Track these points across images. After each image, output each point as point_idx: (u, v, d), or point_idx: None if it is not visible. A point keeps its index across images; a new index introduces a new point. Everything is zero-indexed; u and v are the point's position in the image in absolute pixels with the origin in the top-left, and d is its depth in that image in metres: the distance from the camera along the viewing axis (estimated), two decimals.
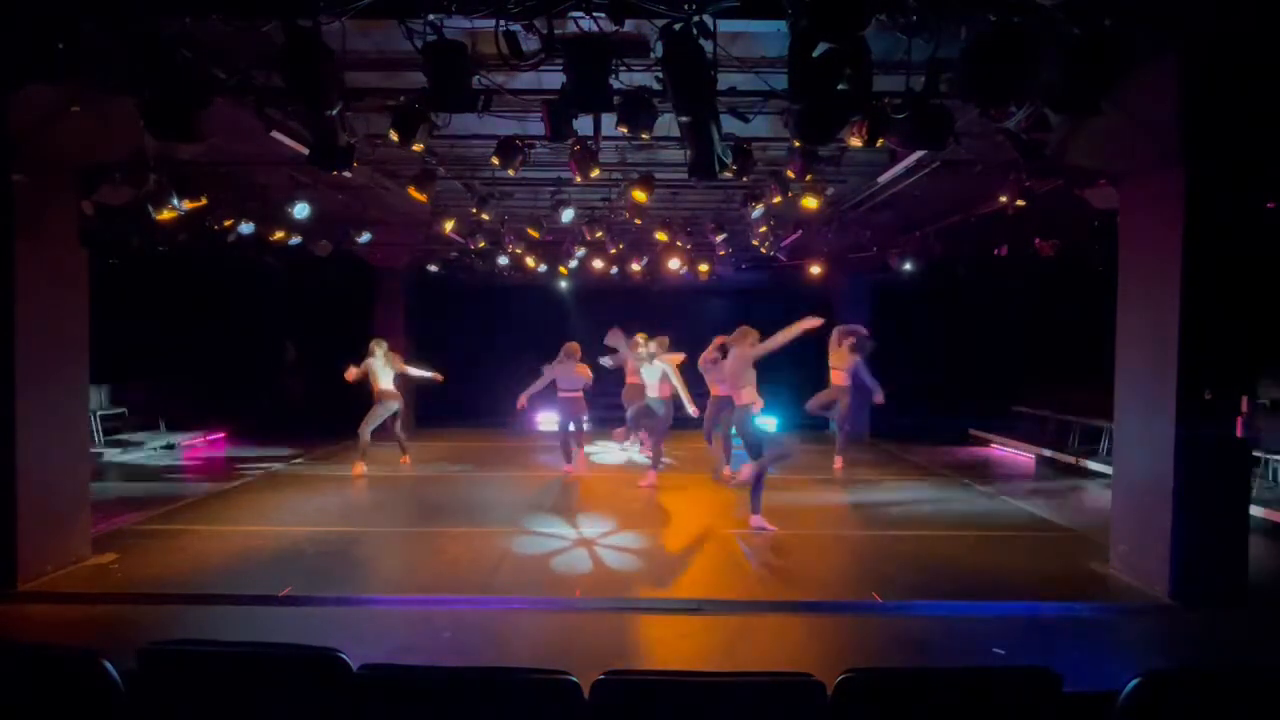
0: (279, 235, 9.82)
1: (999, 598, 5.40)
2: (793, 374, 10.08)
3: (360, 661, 2.41)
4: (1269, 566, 6.15)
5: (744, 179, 6.67)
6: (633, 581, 5.83)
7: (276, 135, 5.77)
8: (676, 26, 3.98)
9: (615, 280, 14.44)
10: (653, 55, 4.59)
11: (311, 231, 10.06)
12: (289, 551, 6.38)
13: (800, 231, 10.73)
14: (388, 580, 5.75)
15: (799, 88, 3.91)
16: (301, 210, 8.21)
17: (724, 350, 8.20)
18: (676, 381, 8.96)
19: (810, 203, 7.33)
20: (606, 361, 9.93)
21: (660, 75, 4.37)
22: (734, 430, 8.10)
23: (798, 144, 5.92)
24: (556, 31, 4.28)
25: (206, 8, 4.16)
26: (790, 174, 6.37)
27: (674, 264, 12.85)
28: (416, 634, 4.71)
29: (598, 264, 12.63)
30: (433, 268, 14.08)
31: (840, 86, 3.92)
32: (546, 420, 11.82)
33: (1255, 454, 7.20)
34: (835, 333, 9.85)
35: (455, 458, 10.24)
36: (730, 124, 5.31)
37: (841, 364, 9.76)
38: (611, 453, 11.16)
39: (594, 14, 4.18)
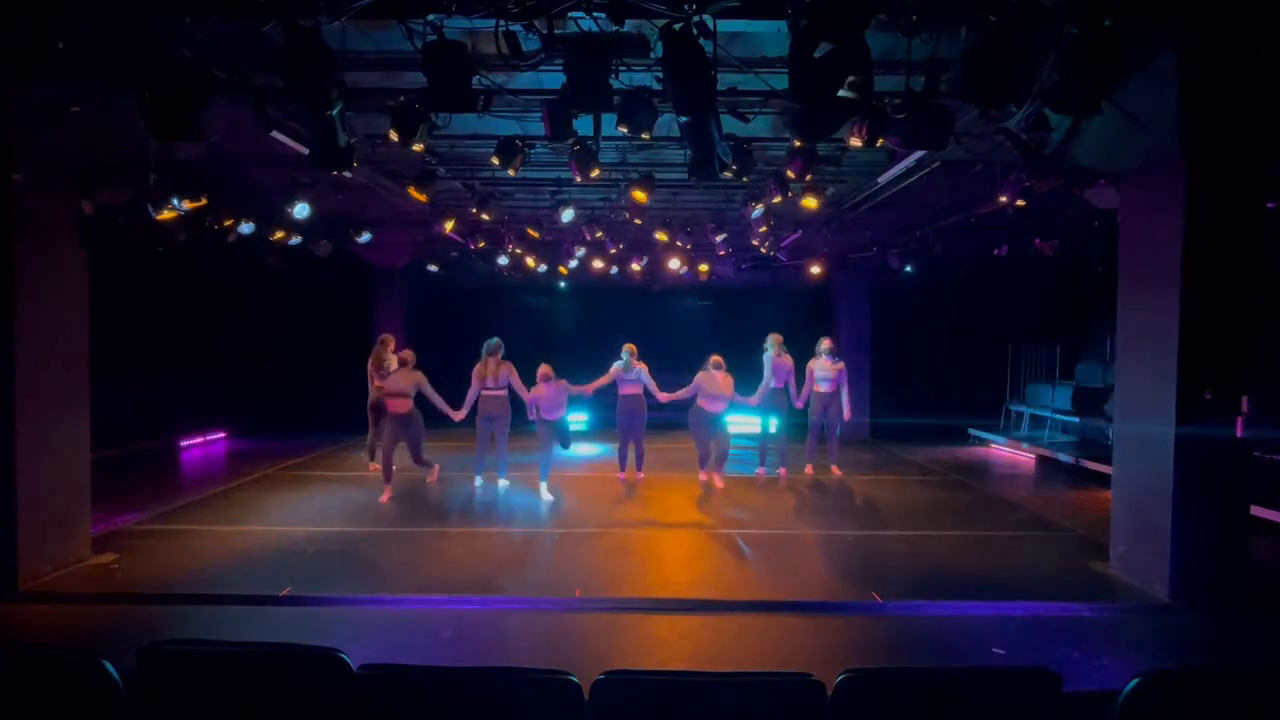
0: (279, 235, 9.83)
1: (999, 598, 5.40)
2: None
3: (360, 661, 2.41)
4: (1269, 566, 6.15)
5: (744, 179, 6.68)
6: (633, 581, 5.83)
7: (276, 135, 5.78)
8: (676, 26, 3.98)
9: (615, 280, 14.44)
10: (653, 55, 4.59)
11: (311, 231, 10.06)
12: (289, 551, 6.39)
13: (800, 231, 10.73)
14: (388, 580, 5.75)
15: (799, 88, 3.91)
16: (301, 210, 8.20)
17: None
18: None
19: (810, 203, 7.33)
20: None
21: (660, 75, 4.38)
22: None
23: (798, 144, 5.93)
24: (556, 31, 4.29)
25: (206, 8, 4.16)
26: (790, 174, 6.37)
27: (674, 264, 12.87)
28: (416, 634, 4.70)
29: (598, 264, 12.63)
30: (433, 268, 14.09)
31: (842, 93, 3.93)
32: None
33: None
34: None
35: (455, 458, 10.22)
36: (730, 124, 5.31)
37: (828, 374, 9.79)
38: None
39: (594, 14, 4.18)
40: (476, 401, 8.69)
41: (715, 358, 8.95)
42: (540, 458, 8.50)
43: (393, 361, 9.24)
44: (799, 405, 9.84)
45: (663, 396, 9.05)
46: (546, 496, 8.34)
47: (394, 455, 8.35)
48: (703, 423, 8.88)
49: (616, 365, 9.10)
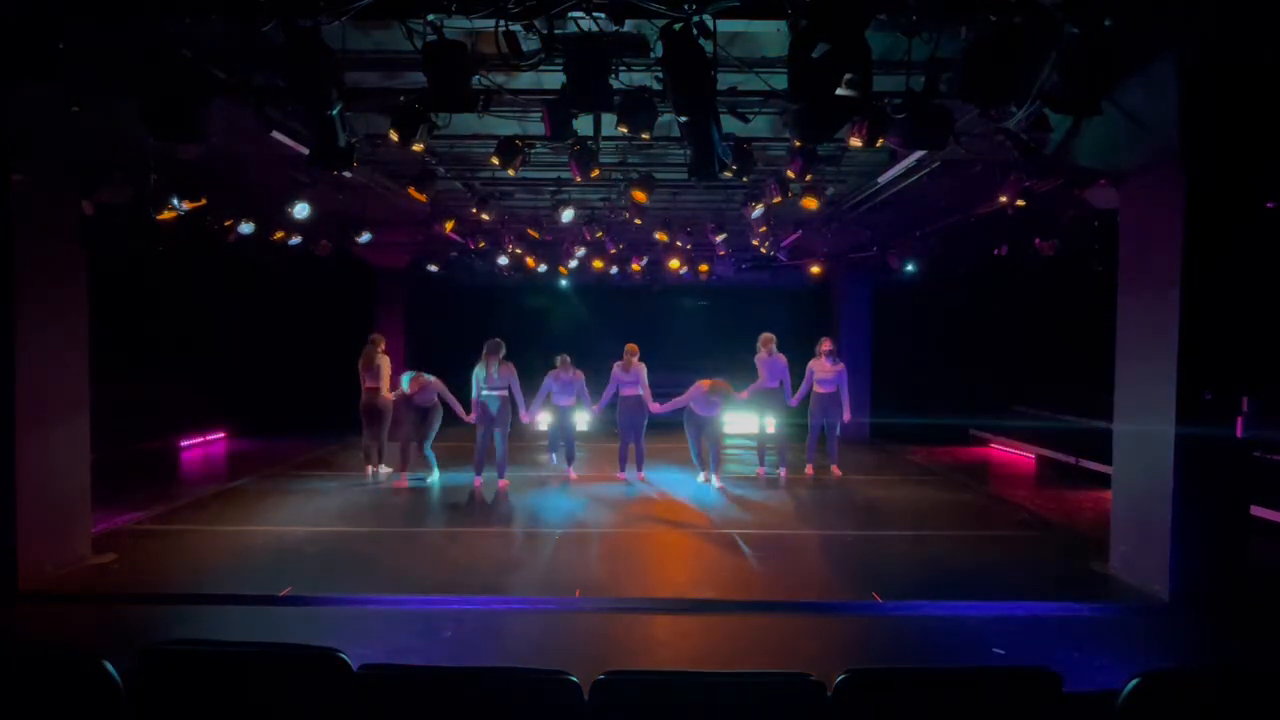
0: (279, 235, 9.83)
1: (999, 598, 5.40)
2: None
3: (360, 661, 2.41)
4: (1269, 566, 6.15)
5: (744, 179, 6.68)
6: (633, 581, 5.83)
7: (276, 135, 5.78)
8: (676, 26, 3.98)
9: (615, 280, 14.44)
10: (653, 55, 4.59)
11: (311, 231, 10.06)
12: (289, 551, 6.39)
13: (800, 231, 10.73)
14: (388, 580, 5.74)
15: (799, 88, 3.91)
16: (301, 210, 8.20)
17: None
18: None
19: (810, 203, 7.33)
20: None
21: (660, 75, 4.37)
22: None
23: (798, 144, 5.93)
24: (556, 31, 4.29)
25: (206, 8, 4.16)
26: (790, 174, 6.37)
27: (674, 264, 12.86)
28: (416, 634, 4.71)
29: (598, 264, 12.64)
30: (433, 268, 14.10)
31: (841, 93, 3.93)
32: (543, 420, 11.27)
33: None
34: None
35: (455, 458, 10.22)
36: (730, 124, 5.31)
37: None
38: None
39: (594, 14, 4.18)
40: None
41: (719, 384, 8.86)
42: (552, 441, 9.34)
43: (384, 362, 9.30)
44: (793, 403, 9.82)
45: (655, 406, 9.17)
46: (571, 475, 9.24)
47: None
48: (695, 424, 9.14)
49: (617, 365, 9.24)
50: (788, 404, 9.80)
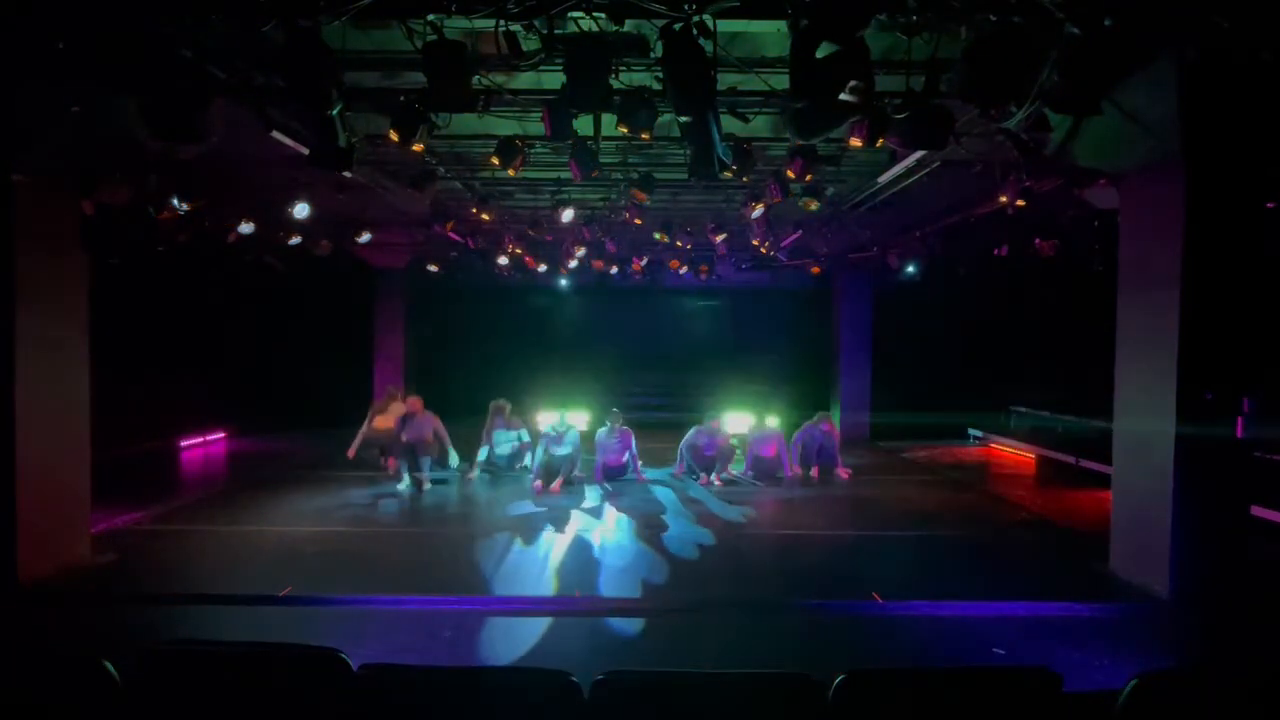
0: (279, 235, 9.83)
1: (999, 598, 5.40)
2: None
3: (360, 661, 2.41)
4: (1269, 566, 6.14)
5: (744, 179, 6.67)
6: (633, 581, 5.83)
7: (276, 135, 5.77)
8: (676, 26, 3.98)
9: (615, 280, 14.44)
10: (653, 55, 4.59)
11: (311, 231, 10.06)
12: (289, 551, 6.38)
13: (800, 231, 10.73)
14: (388, 580, 5.74)
15: (799, 88, 3.91)
16: (301, 210, 8.20)
17: None
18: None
19: (810, 203, 7.33)
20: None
21: (660, 75, 4.38)
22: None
23: (798, 143, 5.93)
24: (556, 31, 4.29)
25: (206, 8, 4.16)
26: (790, 174, 6.37)
27: (674, 264, 12.85)
28: (416, 634, 4.71)
29: (598, 264, 12.63)
30: (433, 268, 14.09)
31: (843, 97, 3.93)
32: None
33: None
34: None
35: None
36: (730, 124, 5.31)
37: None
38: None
39: (594, 14, 4.18)
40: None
41: (714, 424, 9.56)
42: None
43: (397, 409, 9.39)
44: (789, 475, 9.73)
45: (643, 478, 9.44)
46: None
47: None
48: (698, 458, 9.54)
49: (601, 432, 9.42)
50: (784, 476, 9.72)
